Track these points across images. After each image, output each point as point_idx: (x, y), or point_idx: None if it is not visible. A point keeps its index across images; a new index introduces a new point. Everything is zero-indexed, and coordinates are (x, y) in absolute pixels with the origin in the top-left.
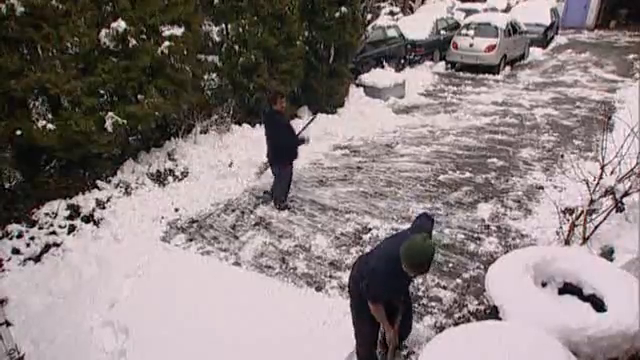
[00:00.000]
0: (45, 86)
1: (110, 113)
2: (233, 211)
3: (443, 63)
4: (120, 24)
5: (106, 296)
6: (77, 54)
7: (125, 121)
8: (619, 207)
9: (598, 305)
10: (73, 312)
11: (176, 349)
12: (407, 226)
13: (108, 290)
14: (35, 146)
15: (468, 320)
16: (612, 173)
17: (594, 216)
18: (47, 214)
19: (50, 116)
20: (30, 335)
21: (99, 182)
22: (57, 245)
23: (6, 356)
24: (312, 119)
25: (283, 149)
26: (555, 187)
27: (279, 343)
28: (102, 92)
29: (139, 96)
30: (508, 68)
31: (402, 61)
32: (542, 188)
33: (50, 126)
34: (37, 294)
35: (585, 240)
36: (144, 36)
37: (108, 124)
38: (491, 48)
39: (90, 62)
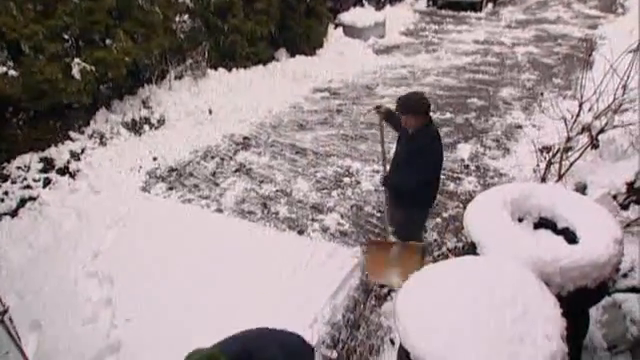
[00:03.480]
0: (1, 30)
1: (76, 59)
2: (213, 158)
3: (425, 0)
4: None
5: (88, 247)
6: None
7: (93, 67)
8: (594, 144)
9: (571, 237)
10: (56, 264)
11: (161, 296)
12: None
13: (90, 242)
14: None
15: (447, 257)
16: (590, 110)
17: (570, 153)
18: (19, 168)
19: (11, 64)
20: (14, 289)
21: (72, 133)
22: (33, 199)
23: None
24: None
25: None
26: (534, 126)
27: (263, 285)
28: (66, 37)
29: (107, 41)
30: (491, 5)
31: None
32: (521, 127)
33: (12, 72)
34: (17, 248)
35: (560, 177)
36: None
37: (75, 71)
38: None
39: (49, 4)
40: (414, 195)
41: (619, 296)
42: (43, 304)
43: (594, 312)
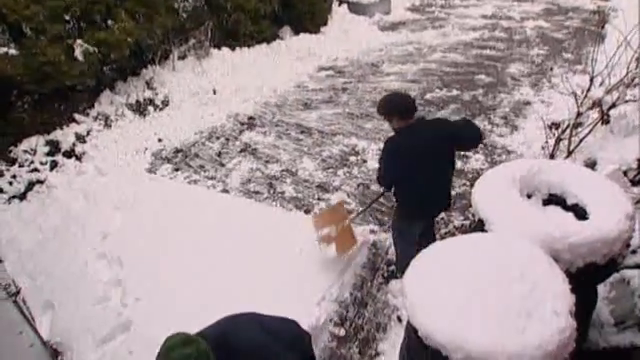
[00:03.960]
0: (2, 12)
1: (79, 41)
2: (218, 138)
3: None
4: None
5: (97, 229)
6: None
7: (96, 49)
8: (605, 119)
9: (581, 214)
10: (66, 247)
11: (170, 276)
12: None
13: (98, 223)
14: (1, 78)
15: (453, 235)
16: (601, 85)
17: (580, 129)
18: (26, 151)
19: (13, 45)
20: (25, 271)
21: (77, 115)
22: (41, 182)
23: (2, 291)
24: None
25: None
26: (543, 102)
27: (271, 264)
28: (67, 18)
29: (108, 21)
30: None
31: None
32: (529, 104)
33: (12, 51)
34: (27, 231)
35: (570, 153)
36: None
37: (78, 53)
38: None
39: None
40: (396, 199)
41: (627, 272)
42: (54, 285)
43: (602, 288)
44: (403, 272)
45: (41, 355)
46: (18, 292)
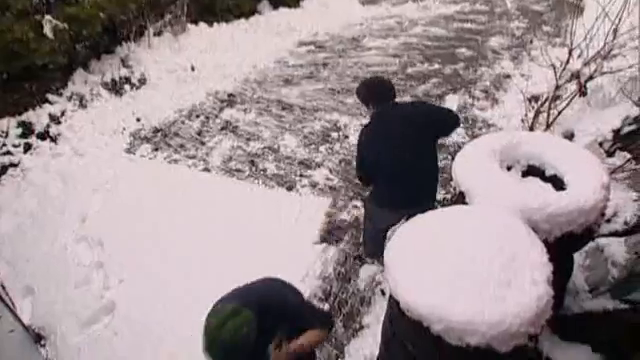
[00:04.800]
0: None
1: (47, 16)
2: (198, 117)
3: None
4: None
5: (75, 212)
6: None
7: (66, 25)
8: (583, 91)
9: (559, 184)
10: (44, 230)
11: (152, 257)
12: None
13: (77, 206)
14: None
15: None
16: (579, 57)
17: (558, 102)
18: None
19: None
20: (3, 256)
21: (49, 96)
22: (15, 165)
23: None
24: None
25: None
26: (522, 75)
27: (254, 242)
28: None
29: None
30: None
31: None
32: (510, 77)
33: None
34: (3, 216)
35: (548, 126)
36: None
37: (47, 29)
38: None
39: None
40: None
41: (602, 241)
42: (34, 270)
43: (578, 257)
44: (369, 255)
45: (24, 340)
46: None
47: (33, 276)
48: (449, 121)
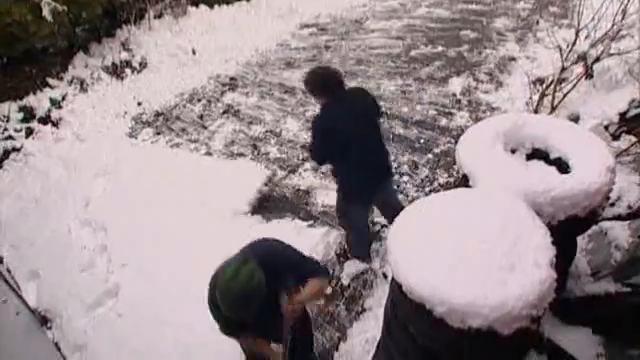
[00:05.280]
0: None
1: None
2: (199, 100)
3: None
4: None
5: (78, 196)
6: None
7: (65, 7)
8: (589, 74)
9: (563, 167)
10: (48, 215)
11: (154, 241)
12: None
13: (79, 190)
14: None
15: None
16: (586, 38)
17: (564, 85)
18: None
19: None
20: (8, 240)
21: (50, 80)
22: (17, 150)
23: None
24: None
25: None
26: (528, 58)
27: (257, 225)
28: None
29: None
30: None
31: None
32: (515, 59)
33: None
34: (6, 200)
35: (553, 109)
36: None
37: (46, 12)
38: None
39: None
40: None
41: (606, 224)
42: (39, 254)
43: (581, 240)
44: (356, 256)
45: (30, 323)
46: (0, 262)
47: (38, 260)
48: (380, 110)
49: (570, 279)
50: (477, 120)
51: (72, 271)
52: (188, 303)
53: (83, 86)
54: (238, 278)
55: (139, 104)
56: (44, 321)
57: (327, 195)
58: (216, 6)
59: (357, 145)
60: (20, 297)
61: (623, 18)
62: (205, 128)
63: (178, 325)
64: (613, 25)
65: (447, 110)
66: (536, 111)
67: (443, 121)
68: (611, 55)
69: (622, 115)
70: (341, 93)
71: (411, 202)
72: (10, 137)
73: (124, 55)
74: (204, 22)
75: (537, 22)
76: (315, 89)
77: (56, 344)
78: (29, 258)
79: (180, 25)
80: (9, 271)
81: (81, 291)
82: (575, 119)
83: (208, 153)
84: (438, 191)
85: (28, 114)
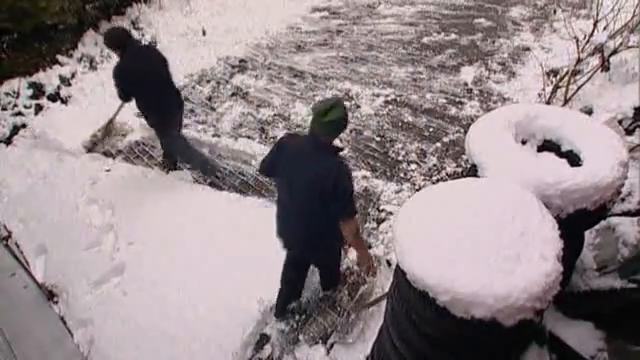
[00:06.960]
0: None
1: None
2: (208, 82)
3: None
4: None
5: (86, 175)
6: None
7: None
8: (605, 66)
9: (575, 160)
10: (56, 191)
11: (160, 220)
12: (389, 91)
13: (87, 169)
14: None
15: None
16: (605, 29)
17: (578, 77)
18: (8, 94)
19: None
20: (17, 215)
21: (60, 57)
22: (26, 126)
23: None
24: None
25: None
26: (543, 48)
27: (263, 207)
28: None
29: None
30: None
31: None
32: (529, 49)
33: None
34: (15, 176)
35: (567, 101)
36: None
37: None
38: None
39: None
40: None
41: (614, 219)
42: (47, 230)
43: (588, 234)
44: (204, 172)
45: (37, 297)
46: (9, 236)
47: (46, 235)
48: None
49: (575, 273)
50: (488, 110)
51: (79, 248)
52: (192, 283)
53: (92, 64)
54: (337, 105)
55: None
56: (51, 295)
57: None
58: None
59: (149, 83)
60: (28, 271)
61: None
62: (213, 110)
63: (182, 305)
64: (633, 17)
65: (457, 99)
66: (549, 103)
67: (453, 110)
68: (630, 47)
69: (637, 109)
70: (132, 47)
71: (418, 190)
72: (20, 113)
73: (134, 34)
74: (215, 3)
75: (554, 12)
76: (111, 45)
77: (62, 318)
78: (37, 233)
79: (191, 5)
80: (17, 245)
81: (87, 268)
82: (588, 112)
83: (216, 135)
84: (445, 180)
85: (38, 90)
